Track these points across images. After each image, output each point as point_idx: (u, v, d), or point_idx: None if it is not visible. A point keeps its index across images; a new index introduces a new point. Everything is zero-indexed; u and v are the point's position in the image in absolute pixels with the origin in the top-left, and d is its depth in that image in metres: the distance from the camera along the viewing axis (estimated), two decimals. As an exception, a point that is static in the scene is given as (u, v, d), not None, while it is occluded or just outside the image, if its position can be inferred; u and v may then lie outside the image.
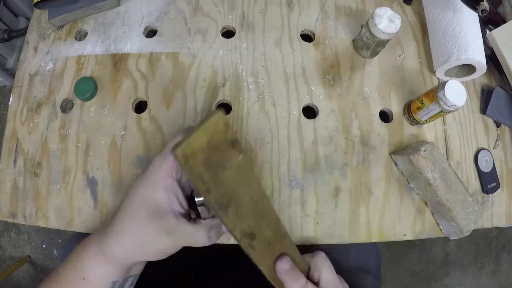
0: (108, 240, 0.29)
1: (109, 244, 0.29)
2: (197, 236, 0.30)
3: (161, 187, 0.29)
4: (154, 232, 0.28)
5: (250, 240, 0.26)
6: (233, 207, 0.24)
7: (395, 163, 0.45)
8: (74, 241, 0.53)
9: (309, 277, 0.33)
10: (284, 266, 0.30)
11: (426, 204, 0.45)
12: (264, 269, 0.29)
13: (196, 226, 0.30)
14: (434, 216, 0.45)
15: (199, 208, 0.31)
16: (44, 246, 1.15)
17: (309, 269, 0.33)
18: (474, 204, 0.42)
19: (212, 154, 0.21)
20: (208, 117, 0.21)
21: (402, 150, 0.45)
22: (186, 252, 0.33)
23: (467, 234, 0.42)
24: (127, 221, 0.29)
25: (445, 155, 0.47)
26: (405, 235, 0.44)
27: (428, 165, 0.41)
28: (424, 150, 0.41)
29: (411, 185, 0.45)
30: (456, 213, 0.41)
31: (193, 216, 0.33)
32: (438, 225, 0.44)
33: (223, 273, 0.52)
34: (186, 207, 0.31)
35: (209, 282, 0.49)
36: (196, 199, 0.30)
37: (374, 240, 0.43)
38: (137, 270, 0.34)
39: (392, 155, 0.45)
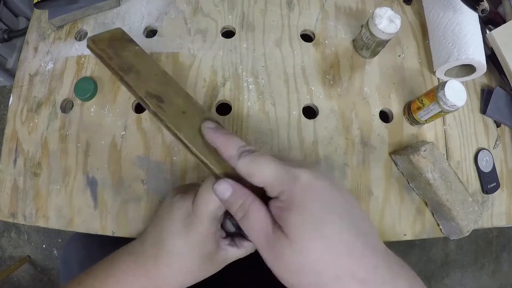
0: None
1: None
2: (242, 254, 0.33)
3: (211, 238, 0.30)
4: (211, 269, 0.31)
5: (158, 102, 0.29)
6: (134, 73, 0.31)
7: (395, 163, 0.45)
8: (74, 241, 0.53)
9: None
10: (209, 124, 0.27)
11: (426, 204, 0.45)
12: (185, 137, 0.27)
13: (240, 248, 0.32)
14: (434, 216, 0.45)
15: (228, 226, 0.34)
16: (44, 246, 1.15)
17: None
18: (474, 204, 0.42)
19: (113, 42, 0.33)
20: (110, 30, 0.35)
21: (402, 150, 0.45)
22: None
23: (467, 234, 0.42)
24: (184, 273, 0.30)
25: (445, 155, 0.47)
26: (405, 235, 0.44)
27: (428, 165, 0.41)
28: (424, 150, 0.41)
29: (411, 185, 0.45)
30: (456, 213, 0.41)
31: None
32: (438, 225, 0.44)
33: (232, 274, 0.51)
34: (224, 234, 0.33)
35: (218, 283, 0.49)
36: (229, 223, 0.33)
37: (374, 240, 0.43)
38: None
39: (392, 155, 0.45)
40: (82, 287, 0.31)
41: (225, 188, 0.25)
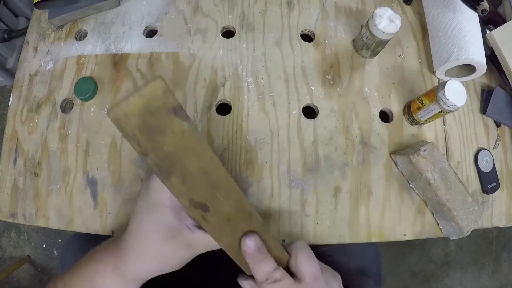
0: (129, 266, 0.30)
1: (131, 269, 0.30)
2: (212, 243, 0.30)
3: (169, 208, 0.29)
4: (174, 250, 0.29)
5: (202, 212, 0.25)
6: (177, 174, 0.23)
7: (395, 163, 0.45)
8: (74, 241, 0.53)
9: (288, 268, 0.31)
10: (249, 244, 0.28)
11: (426, 204, 0.45)
12: (224, 246, 0.28)
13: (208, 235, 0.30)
14: (434, 216, 0.45)
15: None
16: (44, 246, 1.15)
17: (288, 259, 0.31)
18: (474, 204, 0.42)
19: (148, 119, 0.21)
20: (146, 82, 0.20)
21: (402, 150, 0.45)
22: None
23: (467, 234, 0.42)
24: (145, 246, 0.29)
25: (445, 155, 0.47)
26: (405, 235, 0.44)
27: (428, 165, 0.41)
28: (424, 150, 0.41)
29: (411, 185, 0.45)
30: (456, 213, 0.41)
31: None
32: (438, 225, 0.44)
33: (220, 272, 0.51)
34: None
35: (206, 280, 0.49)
36: None
37: (374, 240, 0.43)
38: None
39: (392, 155, 0.45)
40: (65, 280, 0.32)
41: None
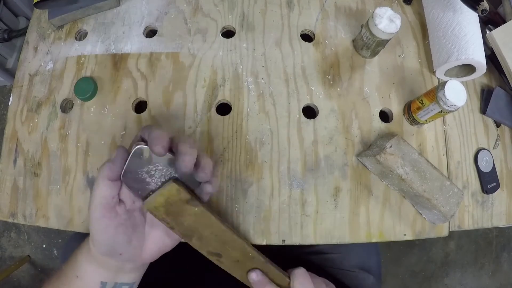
0: (93, 248, 0.33)
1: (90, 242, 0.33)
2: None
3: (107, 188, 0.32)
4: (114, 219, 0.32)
5: (218, 257, 0.36)
6: (196, 237, 0.34)
7: (364, 165, 0.45)
8: (74, 241, 0.53)
9: None
10: (253, 277, 0.36)
11: (404, 197, 0.44)
12: (237, 276, 0.37)
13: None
14: (414, 207, 0.44)
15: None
16: (44, 246, 1.15)
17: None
18: (453, 187, 0.41)
19: (170, 208, 0.32)
20: (164, 186, 0.32)
21: (367, 150, 0.44)
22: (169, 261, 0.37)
23: (452, 218, 0.41)
24: (94, 224, 0.33)
25: (445, 155, 0.47)
26: (405, 235, 0.44)
27: (398, 161, 0.40)
28: (390, 147, 0.40)
29: (384, 182, 0.44)
30: (436, 202, 0.40)
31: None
32: (421, 215, 0.44)
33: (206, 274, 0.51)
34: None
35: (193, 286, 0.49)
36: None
37: (374, 240, 0.43)
38: (130, 279, 0.35)
39: (358, 158, 0.45)
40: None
41: None
